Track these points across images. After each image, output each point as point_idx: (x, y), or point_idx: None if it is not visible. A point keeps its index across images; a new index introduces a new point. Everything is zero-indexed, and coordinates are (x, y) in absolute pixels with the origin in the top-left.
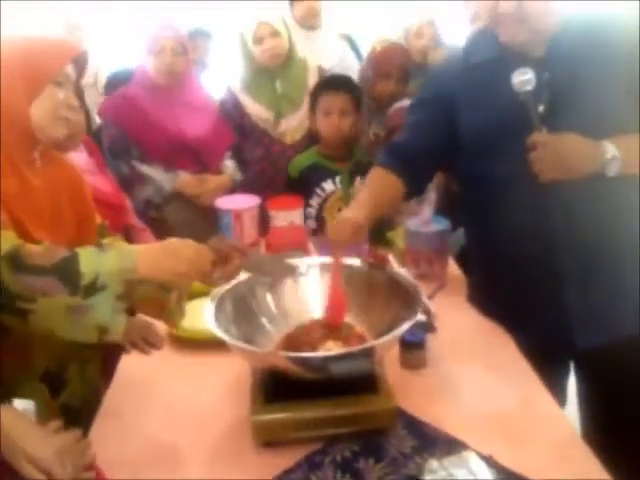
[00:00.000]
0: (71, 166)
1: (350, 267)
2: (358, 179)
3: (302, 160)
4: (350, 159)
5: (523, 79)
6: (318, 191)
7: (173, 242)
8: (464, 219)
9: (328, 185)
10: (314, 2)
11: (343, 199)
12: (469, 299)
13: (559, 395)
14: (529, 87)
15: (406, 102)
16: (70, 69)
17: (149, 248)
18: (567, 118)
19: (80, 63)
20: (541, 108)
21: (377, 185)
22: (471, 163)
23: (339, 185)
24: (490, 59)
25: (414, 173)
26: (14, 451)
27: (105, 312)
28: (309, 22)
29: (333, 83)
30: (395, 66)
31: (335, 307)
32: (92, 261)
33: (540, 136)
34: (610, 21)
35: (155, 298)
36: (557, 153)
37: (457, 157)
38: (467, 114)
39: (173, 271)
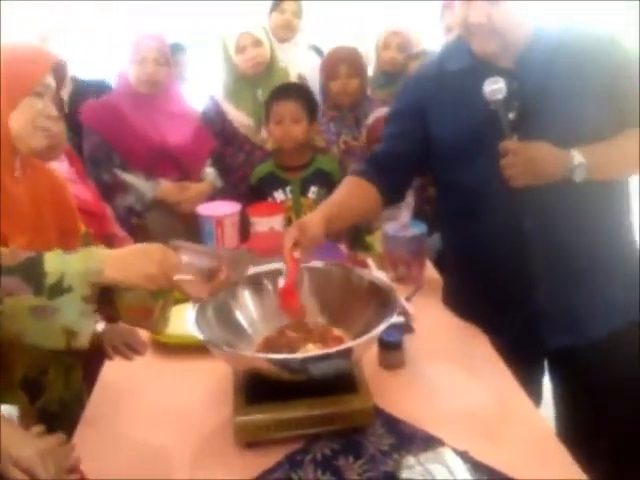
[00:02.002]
0: (54, 175)
1: (328, 271)
2: (314, 189)
3: (261, 169)
4: (305, 168)
5: (494, 88)
6: (270, 200)
7: (142, 245)
8: (440, 223)
9: (279, 195)
10: (293, 18)
11: (293, 209)
12: (444, 301)
13: (534, 393)
14: (500, 96)
15: (384, 110)
16: (49, 79)
17: (118, 251)
18: (536, 127)
19: (59, 73)
20: (511, 116)
21: (344, 191)
22: (444, 169)
23: (290, 195)
24: (463, 68)
25: (389, 181)
26: None
27: (72, 315)
28: (282, 35)
29: (284, 91)
30: (340, 63)
31: (287, 303)
32: (57, 262)
33: (511, 143)
34: (581, 34)
35: (142, 306)
36: (527, 159)
37: (431, 164)
38: (439, 121)
39: (142, 273)
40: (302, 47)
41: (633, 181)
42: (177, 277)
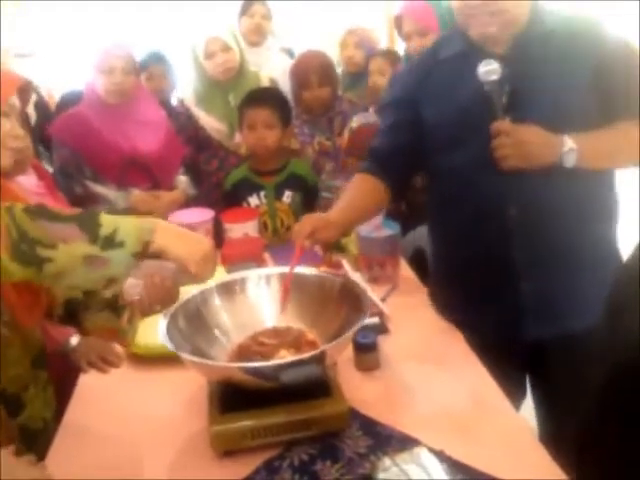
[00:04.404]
0: (18, 195)
1: (301, 275)
2: (288, 193)
3: (235, 174)
4: (279, 173)
5: (489, 69)
6: (245, 206)
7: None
8: (429, 213)
9: (254, 200)
10: (262, 21)
11: (268, 213)
12: (430, 296)
13: (517, 389)
14: (494, 77)
15: (370, 117)
16: (15, 99)
17: (173, 224)
18: (527, 111)
19: (24, 93)
20: (503, 100)
21: (354, 189)
22: (437, 155)
23: (264, 200)
24: (456, 53)
25: (392, 174)
26: None
27: (120, 268)
28: (253, 38)
29: (257, 97)
30: (312, 73)
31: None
32: (112, 218)
33: (503, 124)
34: (571, 19)
35: (108, 327)
36: (519, 141)
37: (425, 151)
38: (431, 106)
39: (187, 248)
40: (274, 50)
41: (620, 176)
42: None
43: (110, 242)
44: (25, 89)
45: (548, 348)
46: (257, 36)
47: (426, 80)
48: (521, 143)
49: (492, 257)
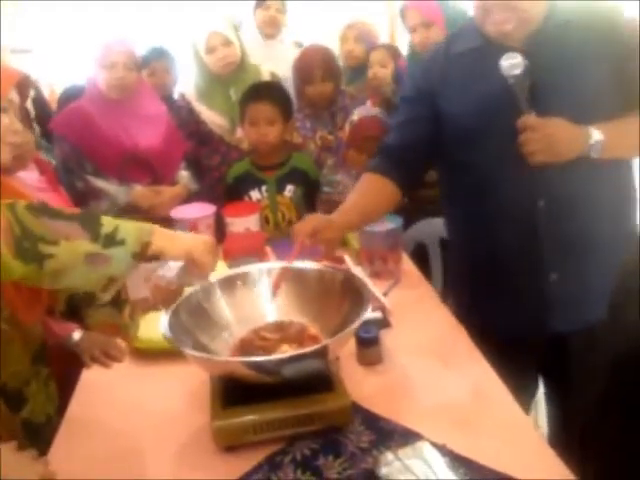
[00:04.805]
0: (20, 191)
1: (302, 270)
2: (290, 187)
3: (237, 168)
4: (281, 167)
5: (512, 62)
6: (246, 199)
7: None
8: (446, 209)
9: (255, 194)
10: (277, 14)
11: (269, 208)
12: (446, 287)
13: (529, 386)
14: (518, 71)
15: (373, 109)
16: (13, 94)
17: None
18: (549, 104)
19: (23, 87)
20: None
21: (361, 190)
22: (458, 150)
23: (266, 194)
24: (472, 48)
25: (403, 170)
26: None
27: (120, 266)
28: (267, 31)
29: (258, 93)
30: (315, 68)
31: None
32: (112, 219)
33: (530, 119)
34: (590, 8)
35: (110, 323)
36: (546, 136)
37: (443, 147)
38: (451, 102)
39: (185, 248)
40: (287, 44)
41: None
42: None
43: (111, 240)
44: (24, 84)
45: (568, 342)
46: (272, 29)
47: (442, 74)
48: (549, 138)
49: (519, 249)
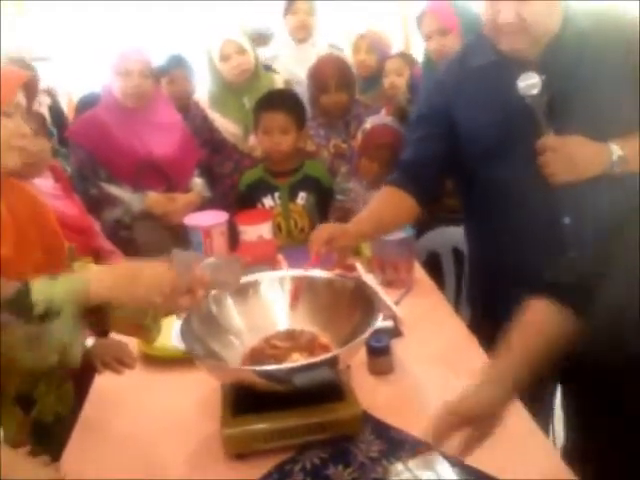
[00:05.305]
0: (34, 194)
1: (314, 278)
2: (303, 195)
3: (250, 175)
4: (294, 174)
5: (530, 83)
6: (259, 207)
7: (132, 265)
8: (467, 222)
9: (268, 201)
10: (306, 17)
11: (282, 215)
12: (463, 297)
13: (548, 401)
14: (535, 91)
15: (385, 117)
16: (20, 97)
17: (106, 270)
18: (568, 119)
19: (30, 89)
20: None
21: (379, 201)
22: (477, 167)
23: (278, 201)
24: (488, 64)
25: (421, 185)
26: None
27: (63, 333)
28: (299, 35)
29: (272, 101)
30: (330, 78)
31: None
32: (44, 289)
33: (549, 140)
34: (606, 18)
35: (133, 321)
36: (566, 156)
37: (462, 163)
38: (468, 119)
39: (129, 294)
40: (320, 47)
41: None
42: None
43: (47, 315)
44: (30, 85)
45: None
46: (303, 33)
47: (458, 89)
48: (569, 158)
49: (543, 267)
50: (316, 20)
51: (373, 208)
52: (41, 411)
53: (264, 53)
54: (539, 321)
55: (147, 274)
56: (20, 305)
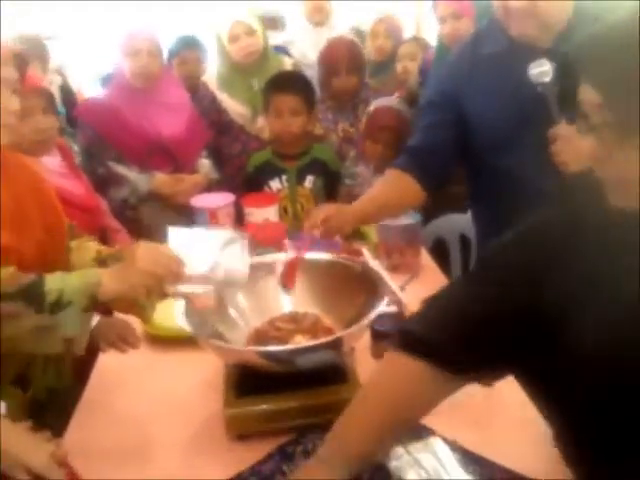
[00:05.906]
0: (33, 170)
1: (319, 261)
2: (310, 178)
3: (258, 157)
4: (302, 157)
5: (541, 70)
6: (266, 189)
7: (134, 251)
8: (474, 209)
9: (275, 183)
10: (324, 1)
11: (289, 198)
12: None
13: None
14: (547, 78)
15: (390, 99)
16: (8, 71)
17: (117, 266)
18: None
19: (20, 61)
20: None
21: (382, 184)
22: (488, 154)
23: (286, 184)
24: (499, 51)
25: (428, 171)
26: (8, 458)
27: (72, 326)
28: (316, 18)
29: (282, 83)
30: (341, 61)
31: (289, 273)
32: (57, 281)
33: (560, 129)
34: (618, 3)
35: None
36: (579, 146)
37: (470, 150)
38: (478, 106)
39: (140, 280)
40: (338, 30)
41: None
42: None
43: (58, 306)
44: (19, 59)
45: None
46: (320, 16)
47: (469, 76)
48: (581, 148)
49: None
50: (332, 3)
51: (378, 190)
52: (36, 389)
53: (281, 37)
54: (394, 379)
55: (150, 253)
56: (32, 294)
